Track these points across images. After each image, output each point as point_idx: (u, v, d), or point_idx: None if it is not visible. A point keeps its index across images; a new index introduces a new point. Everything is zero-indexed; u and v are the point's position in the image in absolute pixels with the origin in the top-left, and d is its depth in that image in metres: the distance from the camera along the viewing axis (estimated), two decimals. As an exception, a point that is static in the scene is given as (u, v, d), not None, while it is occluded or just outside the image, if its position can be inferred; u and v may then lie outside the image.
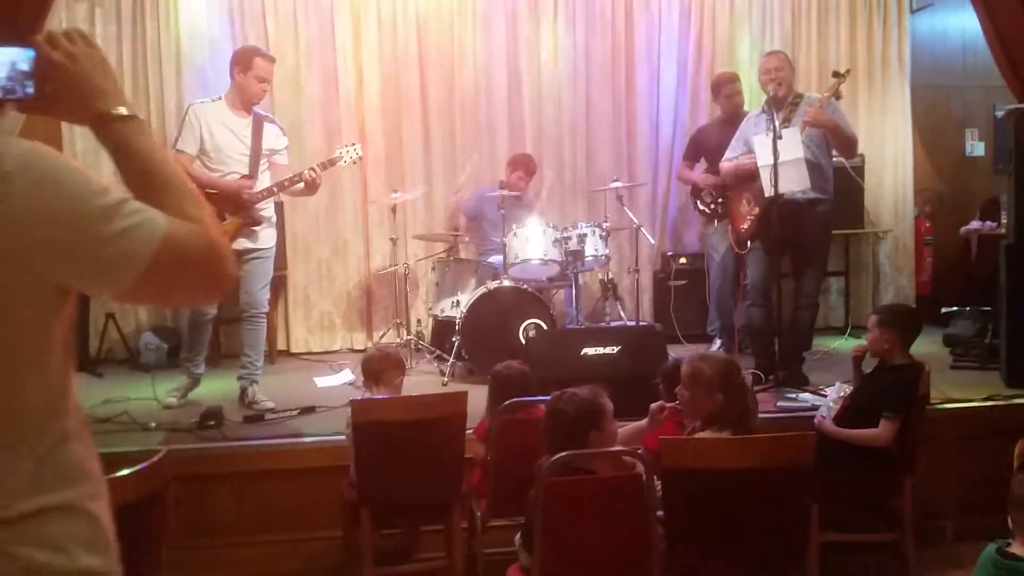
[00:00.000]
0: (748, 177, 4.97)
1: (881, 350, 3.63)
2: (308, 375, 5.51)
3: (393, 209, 5.93)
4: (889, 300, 6.79)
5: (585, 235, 5.47)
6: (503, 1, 6.56)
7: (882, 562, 3.71)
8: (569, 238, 5.46)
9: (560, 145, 6.69)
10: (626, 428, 3.06)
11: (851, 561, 3.67)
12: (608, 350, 4.46)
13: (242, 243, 4.47)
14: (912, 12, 7.04)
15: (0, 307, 1.12)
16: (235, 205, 4.38)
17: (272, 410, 4.44)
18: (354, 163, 4.95)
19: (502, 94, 6.58)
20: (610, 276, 5.93)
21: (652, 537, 2.60)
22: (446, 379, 5.18)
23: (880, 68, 6.94)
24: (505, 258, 5.37)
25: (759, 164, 4.75)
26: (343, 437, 3.57)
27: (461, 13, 6.52)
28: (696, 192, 6.05)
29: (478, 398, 3.52)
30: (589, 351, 4.45)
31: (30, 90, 1.23)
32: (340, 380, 5.28)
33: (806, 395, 4.46)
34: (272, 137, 4.63)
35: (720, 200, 5.68)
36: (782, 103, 4.88)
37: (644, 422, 3.10)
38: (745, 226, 5.02)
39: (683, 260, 6.52)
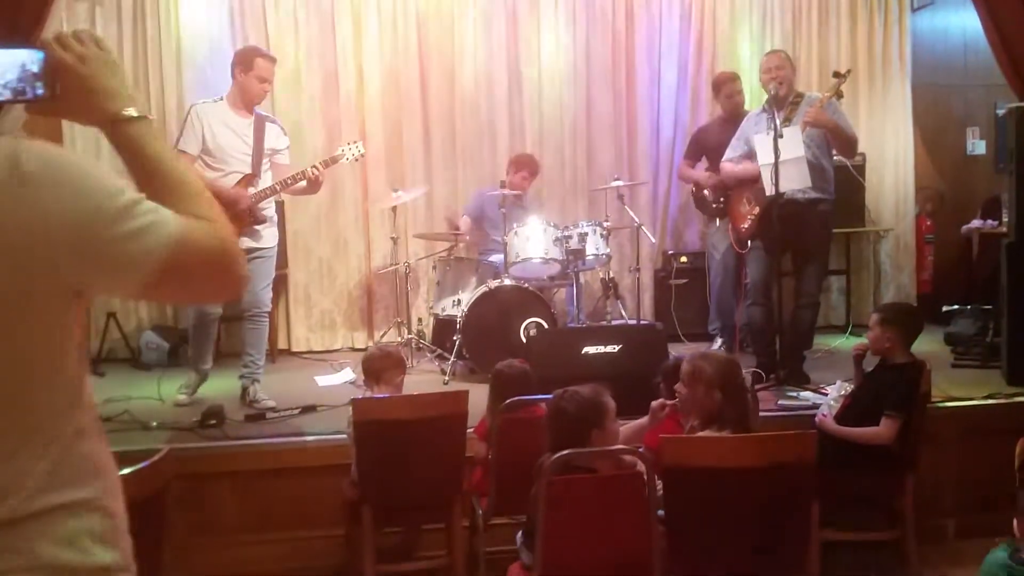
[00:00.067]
0: (749, 179, 4.98)
1: (882, 348, 3.62)
2: (309, 374, 5.51)
3: (394, 209, 5.93)
4: (890, 299, 6.79)
5: (586, 234, 5.47)
6: (504, 1, 6.56)
7: (883, 560, 3.70)
8: (570, 237, 5.46)
9: (561, 144, 6.69)
10: (627, 426, 3.06)
11: (852, 559, 3.67)
12: (609, 349, 4.46)
13: (245, 242, 4.47)
14: (913, 10, 7.03)
15: (21, 307, 1.13)
16: (232, 213, 4.38)
17: (273, 409, 4.44)
18: (356, 161, 4.95)
19: (503, 93, 6.58)
20: (611, 275, 5.93)
21: (653, 535, 2.60)
22: (447, 378, 5.18)
23: (881, 67, 6.94)
24: (506, 257, 5.37)
25: (760, 163, 4.75)
26: (344, 436, 3.58)
27: (461, 13, 6.52)
28: (698, 191, 6.05)
29: (479, 397, 3.53)
30: (590, 350, 4.45)
31: (41, 92, 1.24)
32: (341, 379, 5.28)
33: (807, 394, 4.46)
34: (273, 137, 4.64)
35: (722, 199, 5.68)
36: (783, 102, 4.88)
37: (645, 420, 3.11)
38: (745, 225, 5.02)
39: (684, 259, 6.52)
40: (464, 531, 3.48)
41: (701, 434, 2.80)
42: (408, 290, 6.11)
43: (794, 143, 4.61)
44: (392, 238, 5.98)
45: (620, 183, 5.83)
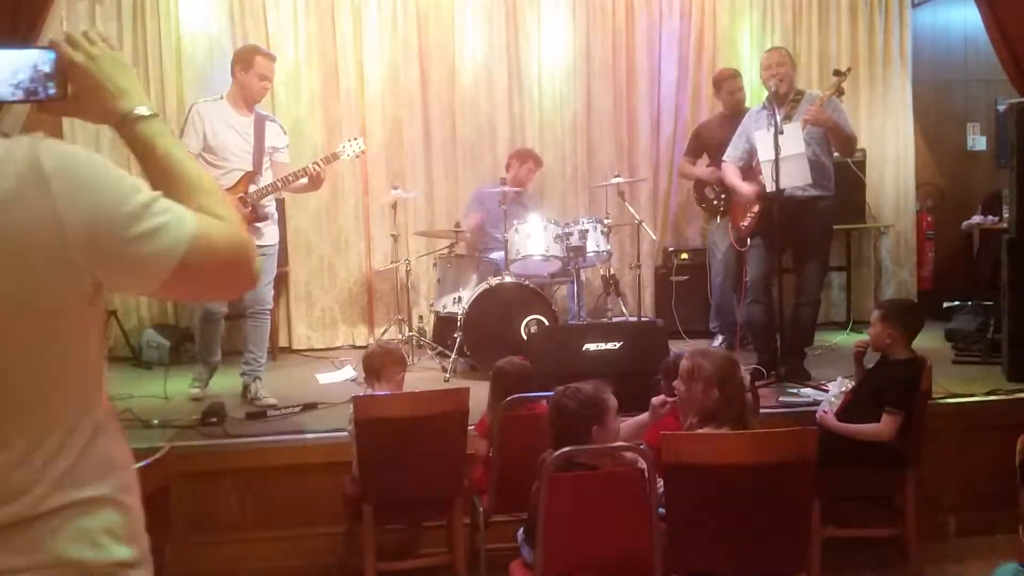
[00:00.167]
0: (748, 176, 4.98)
1: (883, 345, 3.62)
2: (310, 371, 5.52)
3: (394, 206, 5.93)
4: (891, 295, 6.78)
5: (587, 231, 5.47)
6: (503, -3, 6.56)
7: (885, 557, 3.71)
8: (571, 234, 5.45)
9: (561, 141, 6.69)
10: (627, 423, 3.06)
11: (854, 556, 3.67)
12: (610, 346, 4.46)
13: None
14: (913, 6, 7.03)
15: (40, 306, 1.14)
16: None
17: (274, 406, 4.44)
18: (357, 157, 4.95)
19: (503, 90, 6.58)
20: (612, 272, 5.94)
21: (654, 532, 2.60)
22: (448, 375, 5.18)
23: (881, 63, 6.93)
24: (507, 254, 5.37)
25: (760, 159, 4.76)
26: (345, 433, 3.58)
27: (461, 10, 6.51)
28: (699, 187, 6.05)
29: (480, 394, 3.53)
30: (591, 347, 4.45)
31: (52, 91, 1.25)
32: (342, 376, 5.28)
33: (808, 390, 4.46)
34: (273, 135, 4.65)
35: (723, 196, 5.69)
36: (783, 99, 4.88)
37: (645, 416, 3.11)
38: (745, 223, 5.02)
39: (685, 256, 6.52)
40: (465, 528, 3.48)
41: (699, 431, 2.80)
42: (409, 287, 6.12)
43: (795, 140, 4.61)
44: (393, 236, 5.98)
45: (620, 180, 5.82)
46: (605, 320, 5.71)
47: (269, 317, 4.80)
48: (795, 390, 4.49)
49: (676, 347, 4.76)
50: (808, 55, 6.84)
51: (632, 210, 5.87)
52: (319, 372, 5.44)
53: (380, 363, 3.64)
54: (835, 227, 5.35)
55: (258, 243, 4.56)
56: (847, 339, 6.02)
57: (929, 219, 7.14)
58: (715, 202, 5.84)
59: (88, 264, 1.14)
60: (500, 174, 5.91)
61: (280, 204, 5.41)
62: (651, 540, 2.59)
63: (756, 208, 4.92)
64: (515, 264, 5.38)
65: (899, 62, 6.96)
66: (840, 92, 4.87)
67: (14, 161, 1.12)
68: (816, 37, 6.87)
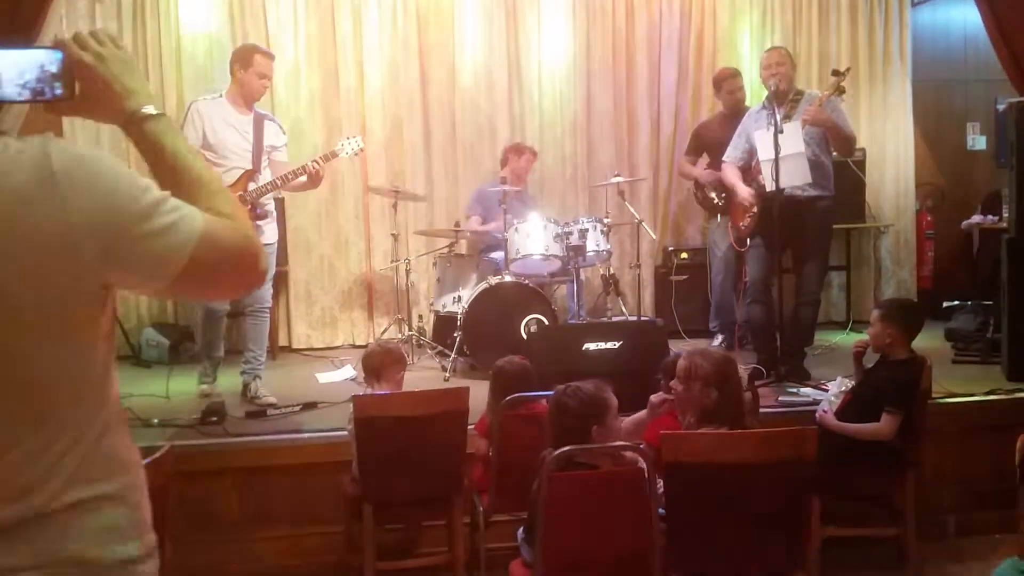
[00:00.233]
0: (748, 176, 4.98)
1: (883, 344, 3.62)
2: (310, 371, 5.52)
3: (394, 205, 5.93)
4: (891, 294, 6.78)
5: (586, 230, 5.47)
6: (503, -4, 6.56)
7: (884, 557, 3.71)
8: (570, 233, 5.45)
9: (561, 140, 6.69)
10: (626, 420, 3.06)
11: (853, 556, 3.67)
12: (610, 345, 4.46)
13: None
14: (913, 6, 7.03)
15: (51, 304, 1.14)
16: None
17: (274, 405, 4.44)
18: (356, 155, 4.95)
19: (503, 90, 6.58)
20: (611, 271, 5.94)
21: (654, 532, 2.60)
22: (448, 375, 5.18)
23: (881, 62, 6.94)
24: (506, 253, 5.37)
25: (760, 159, 4.76)
26: (345, 433, 3.57)
27: (461, 9, 6.52)
28: (699, 187, 6.05)
29: (480, 394, 3.53)
30: (590, 346, 4.45)
31: (59, 91, 1.25)
32: (342, 376, 5.28)
33: (808, 390, 4.46)
34: (272, 134, 4.65)
35: (723, 195, 5.68)
36: (783, 98, 4.88)
37: (644, 413, 3.11)
38: (745, 223, 5.02)
39: (684, 255, 6.52)
40: (465, 528, 3.48)
41: (698, 431, 2.80)
42: (409, 287, 6.12)
43: (794, 139, 4.61)
44: (392, 235, 5.98)
45: (620, 179, 5.82)
46: (605, 319, 5.72)
47: (268, 315, 4.80)
48: (795, 390, 4.49)
49: (676, 347, 4.76)
50: (808, 55, 6.84)
51: (632, 209, 5.87)
52: (319, 371, 5.44)
53: (380, 362, 3.64)
54: (835, 227, 5.35)
55: (258, 241, 4.56)
56: (847, 339, 6.02)
57: (929, 219, 7.15)
58: (715, 201, 5.84)
59: (98, 263, 1.14)
60: (499, 173, 5.90)
61: (280, 203, 5.40)
62: (651, 540, 2.59)
63: (756, 208, 4.92)
64: (515, 263, 5.38)
65: (899, 61, 6.96)
66: (841, 91, 4.87)
67: (23, 162, 1.12)
68: (816, 37, 6.88)
